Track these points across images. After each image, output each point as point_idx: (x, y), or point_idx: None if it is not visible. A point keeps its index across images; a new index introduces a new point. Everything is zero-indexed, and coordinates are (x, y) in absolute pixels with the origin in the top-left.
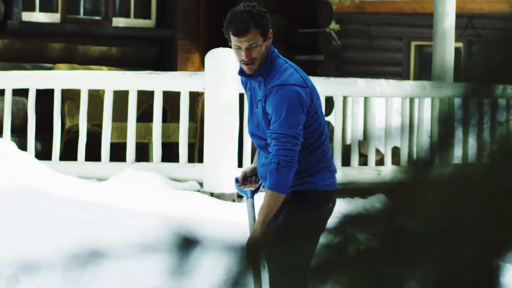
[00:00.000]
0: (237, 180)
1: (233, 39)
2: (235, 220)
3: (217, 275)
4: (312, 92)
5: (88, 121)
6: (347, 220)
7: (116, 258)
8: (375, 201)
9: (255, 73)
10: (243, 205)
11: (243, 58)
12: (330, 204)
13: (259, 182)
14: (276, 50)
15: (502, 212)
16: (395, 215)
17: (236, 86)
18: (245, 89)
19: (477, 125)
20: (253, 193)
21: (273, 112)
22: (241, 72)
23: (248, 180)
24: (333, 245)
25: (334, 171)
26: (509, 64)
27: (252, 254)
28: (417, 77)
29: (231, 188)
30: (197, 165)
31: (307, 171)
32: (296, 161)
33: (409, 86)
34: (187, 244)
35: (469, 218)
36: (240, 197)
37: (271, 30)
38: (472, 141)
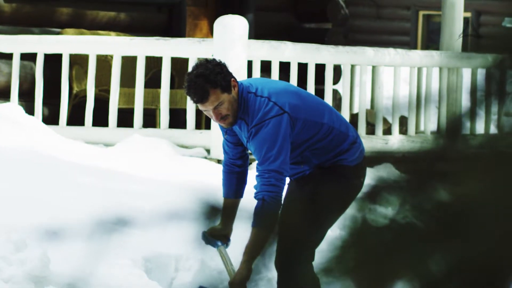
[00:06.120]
0: (204, 234)
1: (198, 105)
2: None
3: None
4: (295, 110)
5: (96, 86)
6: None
7: (141, 226)
8: (382, 170)
9: (234, 124)
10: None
11: (214, 119)
12: (362, 179)
13: (228, 241)
14: (243, 84)
15: None
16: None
17: (244, 53)
18: (224, 130)
19: (499, 98)
20: (223, 244)
21: (254, 151)
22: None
23: (216, 236)
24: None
25: (358, 141)
26: None
27: None
28: (424, 47)
29: None
30: (204, 131)
31: (337, 155)
32: (281, 196)
33: (417, 55)
34: (214, 213)
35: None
36: None
37: (232, 78)
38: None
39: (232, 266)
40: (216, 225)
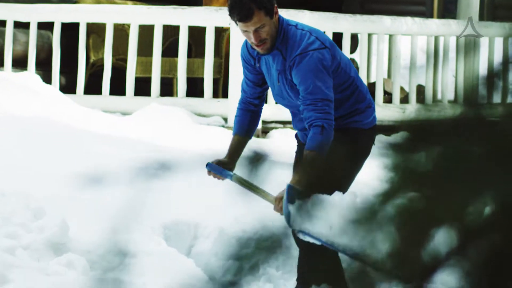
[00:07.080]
0: (210, 165)
1: (239, 25)
2: None
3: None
4: (333, 49)
5: (113, 55)
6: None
7: (183, 171)
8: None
9: (270, 51)
10: (267, 141)
11: (253, 41)
12: (371, 143)
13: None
14: (284, 18)
15: None
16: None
17: None
18: (248, 63)
19: None
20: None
21: (301, 81)
22: (254, 52)
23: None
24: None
25: (373, 106)
26: None
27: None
28: (441, 17)
29: None
30: (221, 100)
31: (353, 114)
32: (333, 124)
33: (434, 24)
34: (257, 158)
35: None
36: (264, 132)
37: (275, 5)
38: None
39: (257, 186)
40: (221, 159)
